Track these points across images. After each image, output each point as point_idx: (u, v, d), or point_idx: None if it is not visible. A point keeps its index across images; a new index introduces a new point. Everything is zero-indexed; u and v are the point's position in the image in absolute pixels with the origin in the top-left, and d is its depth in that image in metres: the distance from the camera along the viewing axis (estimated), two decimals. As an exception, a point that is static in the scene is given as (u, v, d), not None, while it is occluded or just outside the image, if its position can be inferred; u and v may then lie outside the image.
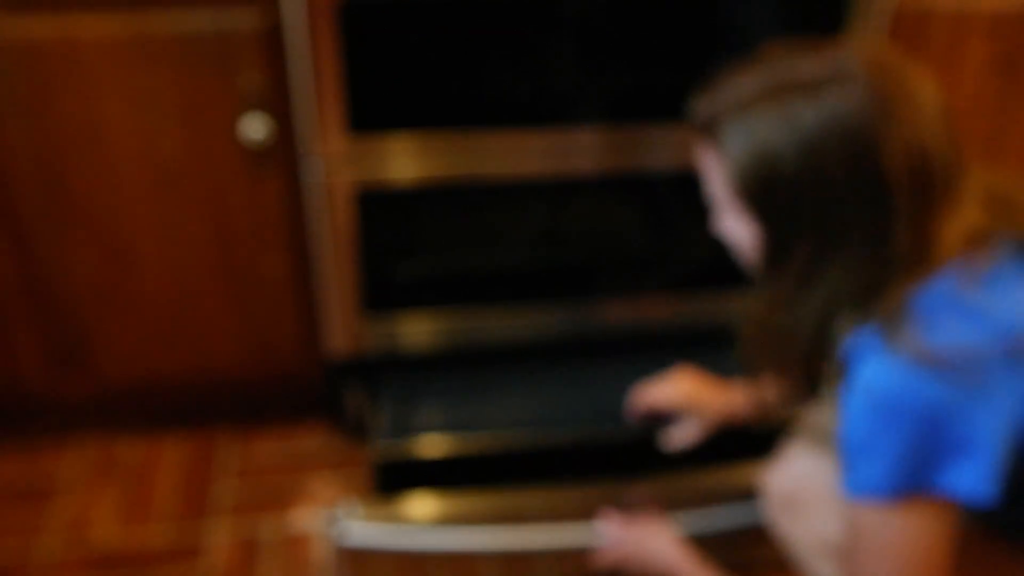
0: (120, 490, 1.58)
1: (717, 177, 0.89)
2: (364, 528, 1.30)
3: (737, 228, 0.90)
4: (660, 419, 1.35)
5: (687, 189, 1.45)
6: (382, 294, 1.48)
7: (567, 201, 1.47)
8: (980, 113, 1.51)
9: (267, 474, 1.61)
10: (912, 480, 0.82)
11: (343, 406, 1.62)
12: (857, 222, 0.82)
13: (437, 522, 1.33)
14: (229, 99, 1.32)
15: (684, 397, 1.33)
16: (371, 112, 1.31)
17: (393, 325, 1.50)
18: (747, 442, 1.38)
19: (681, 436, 1.34)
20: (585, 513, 1.31)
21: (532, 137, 1.36)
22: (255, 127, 1.34)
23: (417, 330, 1.51)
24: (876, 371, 0.81)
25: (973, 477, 0.80)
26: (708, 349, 1.48)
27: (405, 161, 1.35)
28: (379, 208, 1.39)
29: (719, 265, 1.53)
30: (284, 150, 1.38)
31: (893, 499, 0.83)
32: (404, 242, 1.47)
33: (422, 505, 1.35)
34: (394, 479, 1.40)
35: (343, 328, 1.48)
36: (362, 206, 1.38)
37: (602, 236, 1.52)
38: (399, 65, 1.29)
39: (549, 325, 1.53)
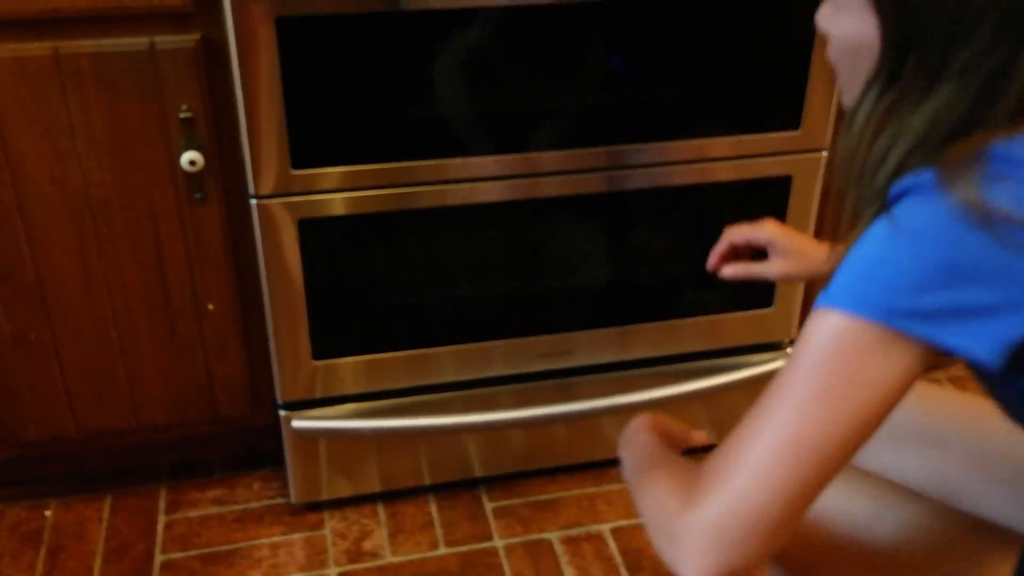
0: (51, 560, 1.43)
1: None
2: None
3: (850, 25, 0.78)
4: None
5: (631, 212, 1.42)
6: (334, 330, 1.38)
7: (523, 232, 1.40)
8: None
9: (212, 533, 1.48)
10: (907, 321, 0.69)
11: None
12: (987, 42, 0.71)
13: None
14: (161, 125, 1.21)
15: (770, 234, 1.11)
16: (315, 137, 1.22)
17: (347, 362, 1.40)
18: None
19: (752, 269, 1.13)
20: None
21: (487, 163, 1.29)
22: (190, 154, 1.23)
23: (372, 364, 1.41)
24: (915, 206, 0.70)
25: (977, 341, 0.68)
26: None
27: (350, 190, 1.26)
28: (326, 238, 1.30)
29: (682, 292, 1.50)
30: (222, 179, 1.27)
31: (872, 326, 0.69)
32: (354, 273, 1.37)
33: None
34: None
35: (293, 369, 1.37)
36: (308, 236, 1.28)
37: (558, 270, 1.46)
38: (343, 87, 1.20)
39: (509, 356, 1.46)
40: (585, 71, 1.29)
